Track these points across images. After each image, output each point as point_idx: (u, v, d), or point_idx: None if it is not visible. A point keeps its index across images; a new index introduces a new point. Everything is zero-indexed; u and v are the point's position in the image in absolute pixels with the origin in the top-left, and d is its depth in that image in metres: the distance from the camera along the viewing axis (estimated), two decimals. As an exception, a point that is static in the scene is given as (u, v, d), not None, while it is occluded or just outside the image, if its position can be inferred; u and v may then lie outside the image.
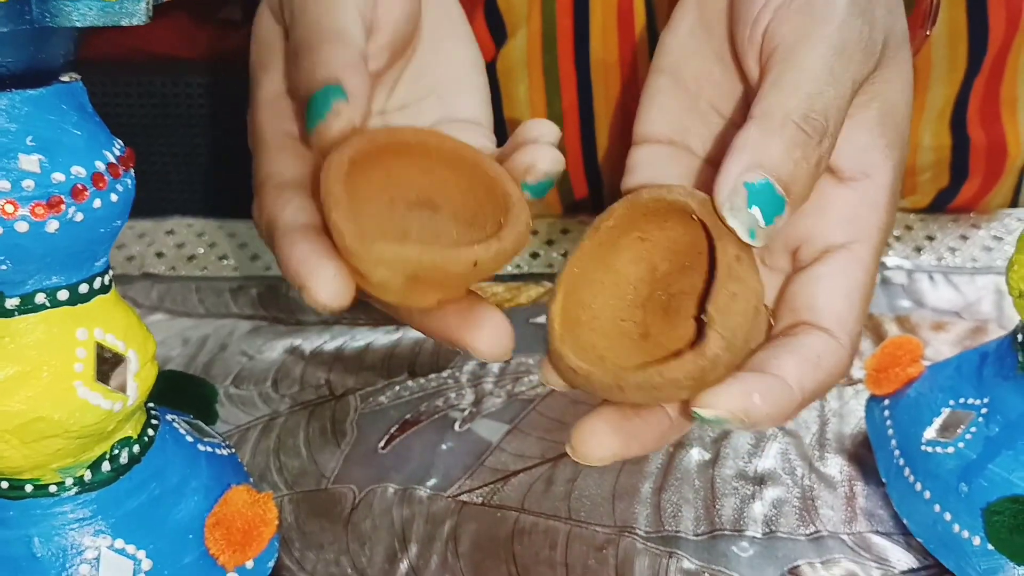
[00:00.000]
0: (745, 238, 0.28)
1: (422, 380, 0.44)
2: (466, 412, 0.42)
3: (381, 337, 0.47)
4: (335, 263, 0.28)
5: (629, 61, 0.52)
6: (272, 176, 0.32)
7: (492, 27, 0.53)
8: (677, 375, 0.27)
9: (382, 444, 0.40)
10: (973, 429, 0.35)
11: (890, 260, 0.52)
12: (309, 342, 0.46)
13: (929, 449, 0.35)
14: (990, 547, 0.32)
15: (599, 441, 0.28)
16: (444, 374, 0.44)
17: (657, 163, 0.33)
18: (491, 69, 0.53)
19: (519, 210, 0.29)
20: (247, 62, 0.63)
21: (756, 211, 0.27)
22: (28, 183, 0.26)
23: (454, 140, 0.31)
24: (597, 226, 0.30)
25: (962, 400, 0.36)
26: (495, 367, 0.44)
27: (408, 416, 0.42)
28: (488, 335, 0.29)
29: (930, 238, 0.54)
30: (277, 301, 0.49)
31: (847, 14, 0.29)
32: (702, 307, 0.28)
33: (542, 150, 0.31)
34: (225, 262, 0.53)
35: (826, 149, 0.29)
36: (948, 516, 0.34)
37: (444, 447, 0.40)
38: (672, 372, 0.27)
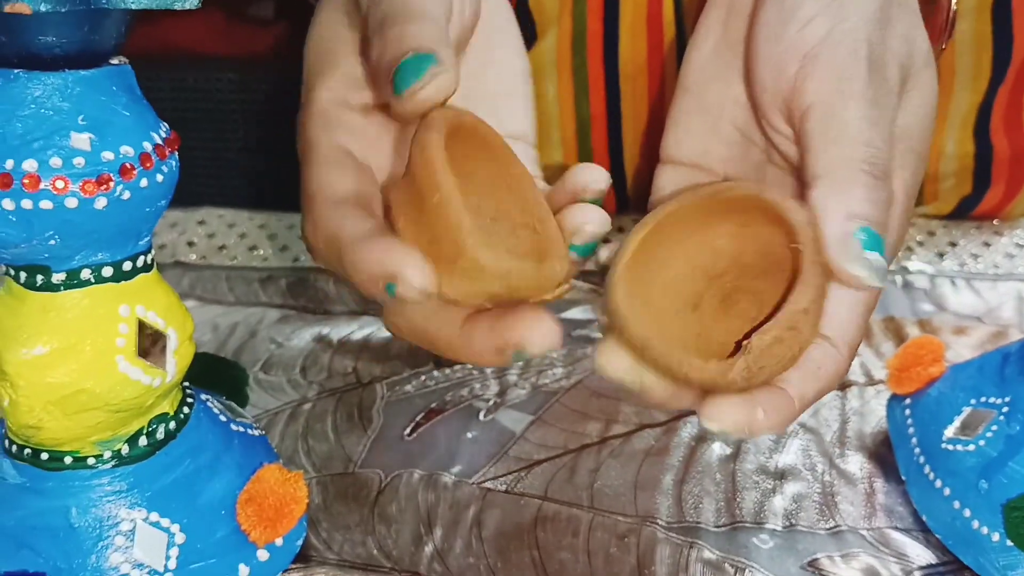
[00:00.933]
0: (875, 283, 0.29)
1: (447, 370, 0.44)
2: (491, 403, 0.42)
3: (408, 328, 0.47)
4: (418, 252, 0.28)
5: (658, 64, 0.53)
6: (323, 189, 0.32)
7: (523, 26, 0.54)
8: (695, 376, 0.29)
9: (408, 431, 0.41)
10: (994, 427, 0.35)
11: (912, 265, 0.52)
12: (337, 331, 0.47)
13: (950, 447, 0.36)
14: (1009, 543, 0.33)
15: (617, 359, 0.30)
16: (469, 365, 0.45)
17: (681, 184, 0.35)
18: None
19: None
20: (276, 59, 0.64)
21: (874, 255, 0.29)
22: (79, 160, 0.27)
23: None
24: (674, 203, 0.31)
25: (983, 399, 0.36)
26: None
27: (434, 405, 0.42)
28: (538, 331, 0.30)
29: (953, 244, 0.54)
30: (306, 291, 0.50)
31: (868, 65, 0.31)
32: (755, 321, 0.30)
33: (590, 213, 0.32)
34: (255, 252, 0.53)
35: (890, 189, 0.30)
36: (967, 512, 0.34)
37: (468, 436, 0.41)
38: (693, 372, 0.29)
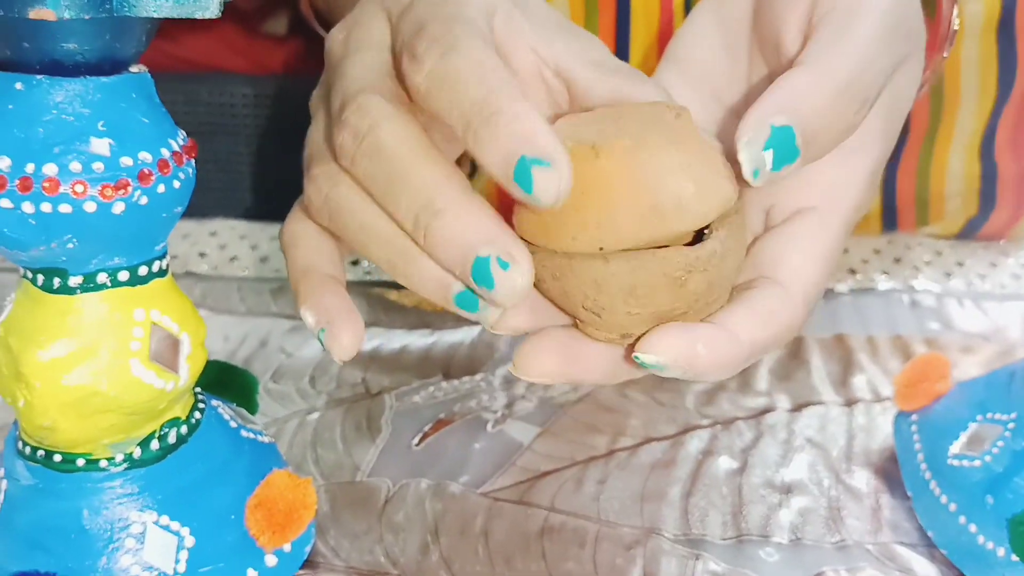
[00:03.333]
0: (747, 175, 0.28)
1: (456, 382, 0.45)
2: (498, 414, 0.43)
3: (416, 340, 0.48)
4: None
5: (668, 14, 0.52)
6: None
7: None
8: (670, 258, 0.27)
9: (416, 441, 0.41)
10: (1000, 443, 0.35)
11: (919, 284, 0.52)
12: (346, 342, 0.47)
13: (956, 463, 0.36)
14: (1014, 558, 0.33)
15: (542, 359, 0.29)
16: (477, 377, 0.45)
17: None
18: None
19: None
20: (290, 74, 0.64)
21: (769, 154, 0.28)
22: (98, 165, 0.28)
23: None
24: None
25: (990, 415, 0.36)
26: (527, 372, 0.45)
27: (442, 415, 0.43)
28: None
29: (960, 264, 0.54)
30: (316, 303, 0.50)
31: (891, 5, 0.30)
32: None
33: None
34: (266, 263, 0.54)
35: (859, 120, 0.29)
36: (973, 528, 0.34)
37: (476, 446, 0.41)
38: (665, 255, 0.27)
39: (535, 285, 0.30)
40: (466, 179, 0.29)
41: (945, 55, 0.38)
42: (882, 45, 0.29)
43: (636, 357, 0.28)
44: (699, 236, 0.29)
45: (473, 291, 0.29)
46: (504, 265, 0.28)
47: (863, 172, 0.31)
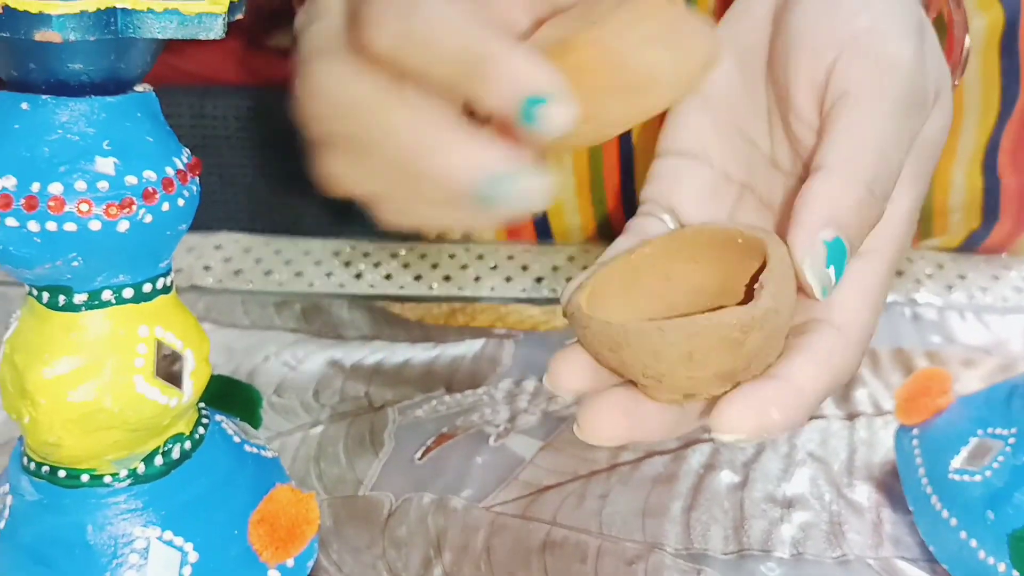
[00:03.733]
0: (818, 296, 0.29)
1: (459, 396, 0.45)
2: (501, 428, 0.43)
3: (420, 353, 0.48)
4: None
5: None
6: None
7: None
8: (725, 321, 0.27)
9: (419, 455, 0.41)
10: (1001, 458, 0.35)
11: (921, 297, 0.52)
12: (350, 356, 0.48)
13: (957, 477, 0.36)
14: (1015, 573, 0.33)
15: (608, 422, 0.29)
16: (480, 391, 0.45)
17: (677, 173, 0.34)
18: None
19: None
20: (295, 88, 0.65)
21: (832, 271, 0.29)
22: (103, 184, 0.28)
23: None
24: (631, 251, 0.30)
25: (990, 430, 0.36)
26: (530, 386, 0.45)
27: (444, 429, 0.43)
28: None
29: (962, 277, 0.54)
30: (320, 316, 0.51)
31: (913, 63, 0.30)
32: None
33: None
34: (271, 277, 0.54)
35: (884, 208, 0.30)
36: (974, 543, 0.34)
37: (479, 460, 0.41)
38: (720, 318, 0.27)
39: (592, 356, 0.30)
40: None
41: (956, 82, 0.38)
42: (898, 134, 0.30)
43: (713, 437, 0.28)
44: (751, 286, 0.28)
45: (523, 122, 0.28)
46: (554, 106, 0.27)
47: (902, 215, 0.32)
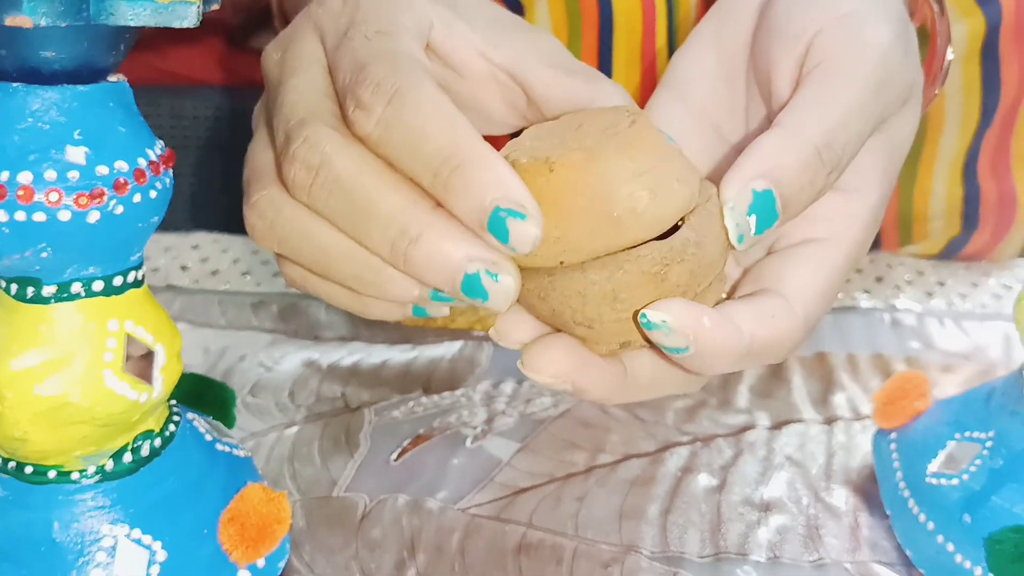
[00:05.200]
0: (733, 241, 0.29)
1: (436, 397, 0.45)
2: (478, 429, 0.43)
3: (397, 355, 0.47)
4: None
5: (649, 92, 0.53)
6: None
7: (508, 4, 0.54)
8: (644, 254, 0.27)
9: (394, 457, 0.41)
10: (978, 462, 0.35)
11: (900, 303, 0.52)
12: (327, 356, 0.47)
13: (934, 481, 0.36)
14: (991, 577, 0.33)
15: (552, 358, 0.29)
16: (458, 392, 0.45)
17: None
18: None
19: None
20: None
21: (752, 219, 0.28)
22: (73, 174, 0.27)
23: None
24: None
25: (968, 434, 0.36)
26: (508, 388, 0.45)
27: (421, 431, 0.42)
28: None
29: (941, 283, 0.54)
30: (297, 316, 0.50)
31: (890, 48, 0.30)
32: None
33: None
34: (247, 277, 0.54)
35: (833, 180, 0.30)
36: (951, 547, 0.34)
37: (455, 462, 0.41)
38: (639, 251, 0.27)
39: (527, 309, 0.30)
40: (431, 199, 0.29)
41: (937, 92, 0.38)
42: (862, 108, 0.30)
43: (642, 315, 0.28)
44: (675, 231, 0.29)
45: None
46: (494, 276, 0.28)
47: (866, 209, 0.32)
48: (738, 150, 0.32)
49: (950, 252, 0.57)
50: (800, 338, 0.30)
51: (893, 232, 0.56)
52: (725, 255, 0.29)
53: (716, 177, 0.30)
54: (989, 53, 0.51)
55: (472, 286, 0.28)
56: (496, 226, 0.27)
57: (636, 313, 0.28)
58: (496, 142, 0.30)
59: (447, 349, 0.48)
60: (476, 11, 0.34)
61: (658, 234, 0.28)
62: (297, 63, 0.32)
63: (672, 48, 0.52)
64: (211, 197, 0.68)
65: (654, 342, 0.28)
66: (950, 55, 0.38)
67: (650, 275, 0.28)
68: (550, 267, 0.28)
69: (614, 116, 0.29)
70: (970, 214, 0.55)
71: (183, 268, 0.54)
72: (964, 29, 0.51)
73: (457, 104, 0.32)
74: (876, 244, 0.57)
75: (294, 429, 0.42)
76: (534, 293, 0.29)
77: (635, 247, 0.28)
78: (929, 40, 0.37)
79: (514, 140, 0.30)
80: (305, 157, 0.29)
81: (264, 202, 0.31)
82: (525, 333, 0.31)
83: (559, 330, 0.30)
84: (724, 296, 0.33)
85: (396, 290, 0.30)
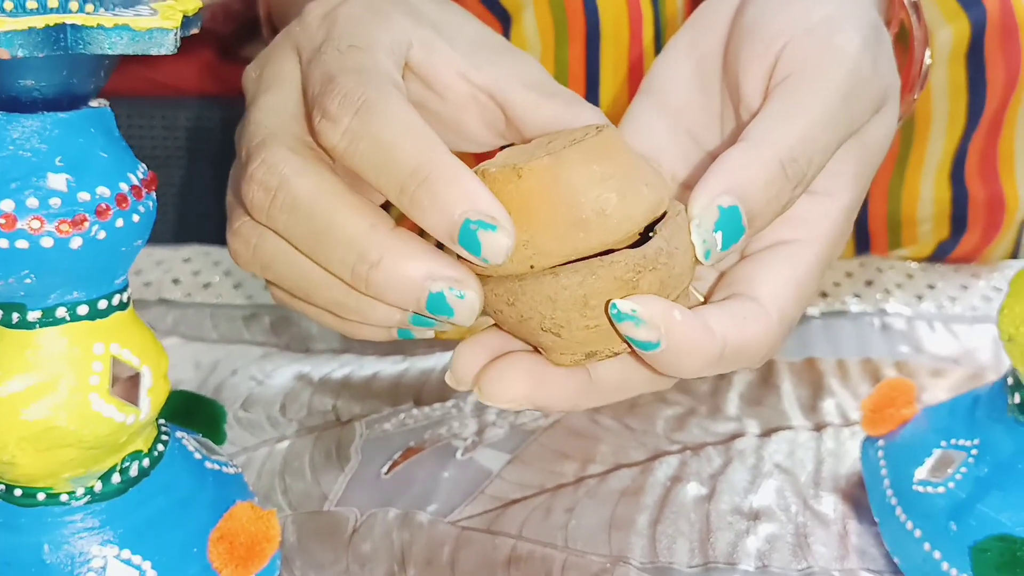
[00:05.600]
0: (700, 257, 0.29)
1: (427, 409, 0.45)
2: (468, 441, 0.43)
3: (388, 367, 0.48)
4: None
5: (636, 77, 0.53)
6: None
7: (496, 14, 0.54)
8: (616, 260, 0.28)
9: (385, 470, 0.41)
10: (964, 469, 0.35)
11: (890, 307, 0.53)
12: (318, 369, 0.47)
13: (921, 489, 0.36)
14: (977, 585, 0.33)
15: (509, 382, 0.29)
16: (448, 404, 0.45)
17: None
18: None
19: None
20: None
21: (719, 236, 0.28)
22: (55, 201, 0.28)
23: None
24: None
25: (954, 441, 0.36)
26: (499, 399, 0.45)
27: (412, 443, 0.43)
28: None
29: (931, 287, 0.54)
30: (289, 329, 0.50)
31: (859, 56, 0.30)
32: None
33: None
34: (239, 290, 0.54)
35: (798, 193, 0.30)
36: (938, 555, 0.34)
37: (445, 474, 0.41)
38: (611, 258, 0.28)
39: (492, 316, 0.30)
40: (390, 218, 0.29)
41: (916, 96, 0.38)
42: (829, 121, 0.30)
43: (613, 306, 0.28)
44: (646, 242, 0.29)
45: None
46: (460, 295, 0.28)
47: (839, 211, 0.32)
48: (713, 157, 0.32)
49: (939, 255, 0.57)
50: (776, 340, 0.30)
51: (882, 236, 0.57)
52: (693, 269, 0.30)
53: (692, 184, 0.30)
54: (974, 56, 0.51)
55: (437, 304, 0.28)
56: (467, 238, 0.27)
57: (607, 309, 0.28)
58: (474, 160, 0.30)
59: (438, 360, 0.48)
60: (460, 29, 0.34)
61: (627, 238, 0.28)
62: (270, 82, 0.32)
63: (658, 54, 0.52)
64: (205, 208, 0.68)
65: (624, 335, 0.28)
66: (928, 60, 0.38)
67: (622, 281, 0.28)
68: (520, 272, 0.29)
69: (583, 129, 0.30)
70: (959, 217, 0.55)
71: (175, 281, 0.54)
72: (949, 32, 0.51)
73: (437, 124, 0.32)
74: (865, 248, 0.57)
75: (285, 443, 0.43)
76: (502, 299, 0.29)
77: (607, 253, 0.28)
78: (908, 45, 0.38)
79: (488, 160, 0.30)
80: (263, 178, 0.30)
81: (246, 228, 0.31)
82: (478, 364, 0.30)
83: (524, 339, 0.30)
84: (702, 300, 0.33)
85: (376, 314, 0.30)
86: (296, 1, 0.44)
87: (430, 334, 0.32)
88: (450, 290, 0.28)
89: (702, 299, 0.33)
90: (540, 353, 0.30)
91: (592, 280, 0.28)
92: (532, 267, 0.28)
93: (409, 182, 0.28)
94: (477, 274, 0.29)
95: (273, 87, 0.32)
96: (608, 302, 0.28)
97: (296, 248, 0.30)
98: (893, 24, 0.37)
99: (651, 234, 0.29)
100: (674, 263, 0.29)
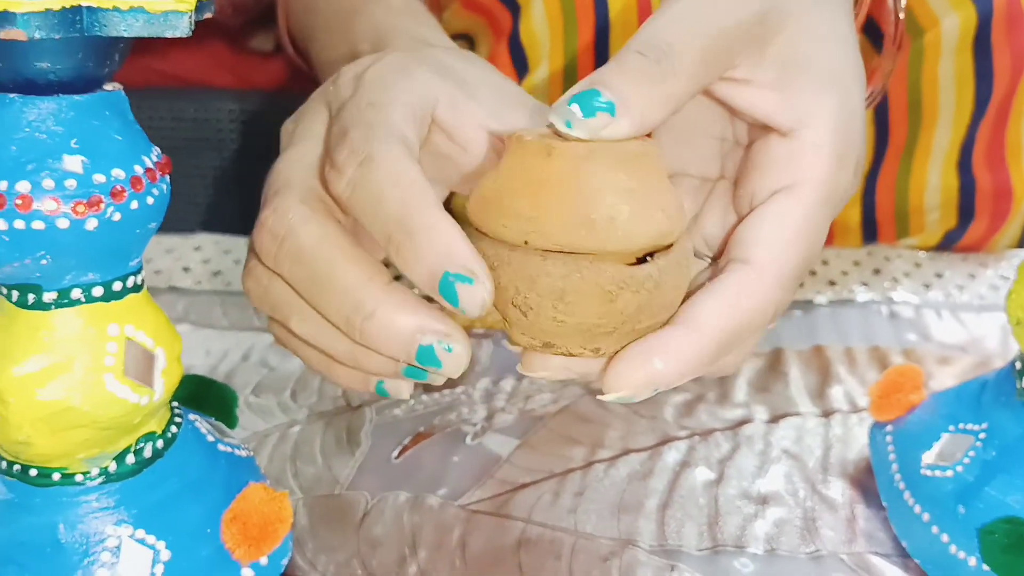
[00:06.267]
0: (561, 127, 0.28)
1: (436, 395, 0.45)
2: (478, 427, 0.43)
3: (398, 353, 0.48)
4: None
5: None
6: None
7: (515, 60, 0.55)
8: (604, 268, 0.28)
9: (395, 454, 0.41)
10: (971, 453, 0.35)
11: (898, 295, 0.53)
12: (328, 356, 0.47)
13: (929, 473, 0.36)
14: (985, 567, 0.33)
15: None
16: (458, 390, 0.45)
17: None
18: None
19: None
20: (276, 91, 0.65)
21: (575, 107, 0.28)
22: (71, 183, 0.28)
23: None
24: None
25: (961, 425, 0.37)
26: (507, 385, 0.46)
27: (421, 428, 0.43)
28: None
29: (939, 275, 0.55)
30: (298, 317, 0.51)
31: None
32: None
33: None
34: (249, 278, 0.54)
35: (669, 68, 0.29)
36: (945, 538, 0.35)
37: (455, 459, 0.41)
38: (601, 264, 0.28)
39: None
40: (387, 272, 0.30)
41: (899, 46, 0.38)
42: (694, 13, 0.30)
43: (600, 398, 0.29)
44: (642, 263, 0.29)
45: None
46: (448, 348, 0.29)
47: (823, 135, 0.31)
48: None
49: (947, 244, 0.57)
50: (780, 298, 0.30)
51: (890, 225, 0.57)
52: (675, 308, 0.30)
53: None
54: (981, 45, 0.51)
55: (426, 356, 0.29)
56: (446, 290, 0.28)
57: (583, 317, 0.29)
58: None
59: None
60: (483, 81, 0.35)
61: (626, 254, 0.29)
62: (299, 136, 0.34)
63: None
64: (213, 198, 0.68)
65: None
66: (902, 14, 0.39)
67: (602, 290, 0.28)
68: (514, 243, 0.29)
69: (628, 139, 0.29)
70: (966, 206, 0.55)
71: (185, 269, 0.55)
72: (956, 21, 0.51)
73: (459, 175, 0.34)
74: (873, 237, 0.57)
75: (296, 428, 0.43)
76: (489, 260, 0.29)
77: (599, 257, 0.28)
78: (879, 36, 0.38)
79: (531, 129, 0.30)
80: (272, 226, 0.31)
81: (258, 270, 0.33)
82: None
83: (494, 307, 0.30)
84: (710, 261, 0.33)
85: (371, 363, 0.31)
86: (316, 24, 0.46)
87: (405, 394, 0.33)
88: (439, 343, 0.29)
89: (710, 259, 0.33)
90: (504, 329, 0.31)
91: (575, 277, 0.28)
92: (526, 242, 0.28)
93: (396, 232, 0.29)
94: (475, 229, 0.30)
95: (300, 141, 0.34)
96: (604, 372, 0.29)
97: (299, 294, 0.31)
98: (861, 8, 0.37)
99: (648, 259, 0.29)
100: (658, 294, 0.29)
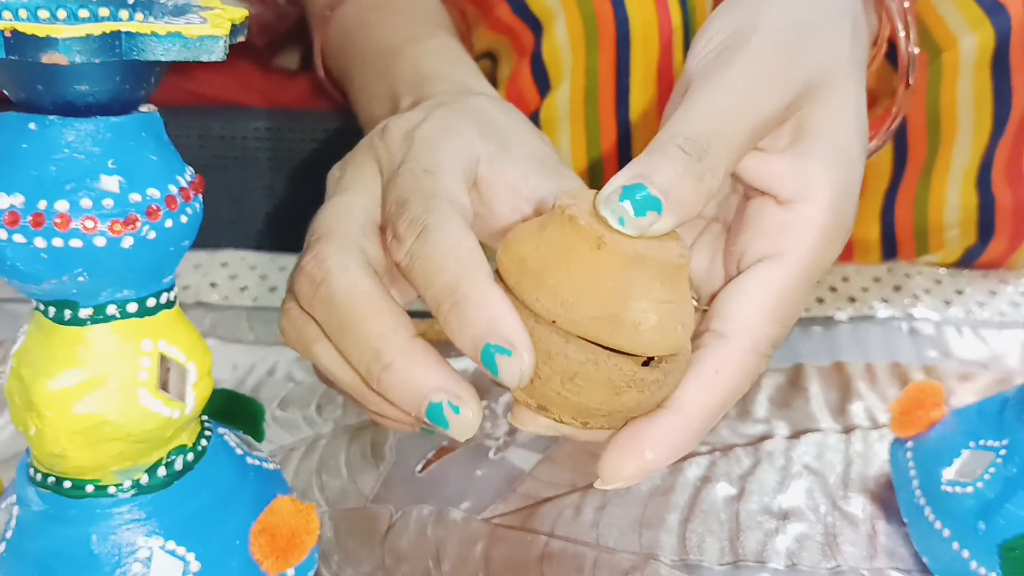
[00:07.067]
0: (615, 224, 0.29)
1: (459, 410, 0.45)
2: (500, 441, 0.43)
3: (421, 369, 0.48)
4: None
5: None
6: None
7: (537, 79, 0.56)
8: (621, 365, 0.29)
9: (419, 468, 0.42)
10: (992, 470, 0.36)
11: (918, 312, 0.53)
12: (352, 371, 0.48)
13: (949, 489, 0.36)
14: (1006, 583, 0.33)
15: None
16: (481, 404, 0.46)
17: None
18: (535, 119, 0.55)
19: None
20: (301, 109, 0.66)
21: (627, 204, 0.29)
22: (108, 202, 0.29)
23: None
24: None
25: (982, 442, 0.37)
26: (530, 400, 0.46)
27: (444, 443, 0.43)
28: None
29: (959, 292, 0.55)
30: (323, 332, 0.51)
31: (761, 49, 0.31)
32: None
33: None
34: (275, 294, 0.55)
35: (708, 166, 0.30)
36: (966, 554, 0.35)
37: (478, 473, 0.42)
38: (620, 361, 0.29)
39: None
40: (412, 325, 0.32)
41: (909, 84, 0.38)
42: (732, 105, 0.31)
43: (597, 486, 0.31)
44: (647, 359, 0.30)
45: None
46: (456, 409, 0.30)
47: (820, 210, 0.32)
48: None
49: (967, 261, 0.57)
50: (755, 368, 0.32)
51: (909, 242, 0.57)
52: (668, 398, 0.31)
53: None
54: (1000, 64, 0.51)
55: (435, 414, 0.31)
56: (487, 359, 0.29)
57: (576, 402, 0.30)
58: None
59: (469, 362, 0.48)
60: (518, 134, 0.37)
61: (639, 355, 0.30)
62: (346, 185, 0.35)
63: (688, 38, 0.53)
64: (240, 215, 0.69)
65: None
66: (915, 50, 0.39)
67: (611, 384, 0.29)
68: (540, 316, 0.30)
69: (674, 242, 0.30)
70: (986, 223, 0.56)
71: (212, 285, 0.55)
72: (974, 41, 0.51)
73: (488, 233, 0.35)
74: (893, 254, 0.58)
75: (322, 442, 0.44)
76: (524, 313, 0.30)
77: (617, 353, 0.29)
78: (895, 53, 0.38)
79: (586, 195, 0.31)
80: (311, 271, 0.33)
81: (294, 311, 0.34)
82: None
83: None
84: (701, 308, 0.34)
85: (389, 410, 0.33)
86: (354, 63, 0.47)
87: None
88: (449, 404, 0.30)
89: (696, 304, 0.34)
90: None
91: (590, 367, 0.29)
92: (554, 322, 0.29)
93: (444, 302, 0.30)
94: (513, 283, 0.30)
95: (347, 190, 0.35)
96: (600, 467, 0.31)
97: (328, 338, 0.33)
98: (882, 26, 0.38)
99: (652, 359, 0.30)
100: (659, 394, 0.30)
